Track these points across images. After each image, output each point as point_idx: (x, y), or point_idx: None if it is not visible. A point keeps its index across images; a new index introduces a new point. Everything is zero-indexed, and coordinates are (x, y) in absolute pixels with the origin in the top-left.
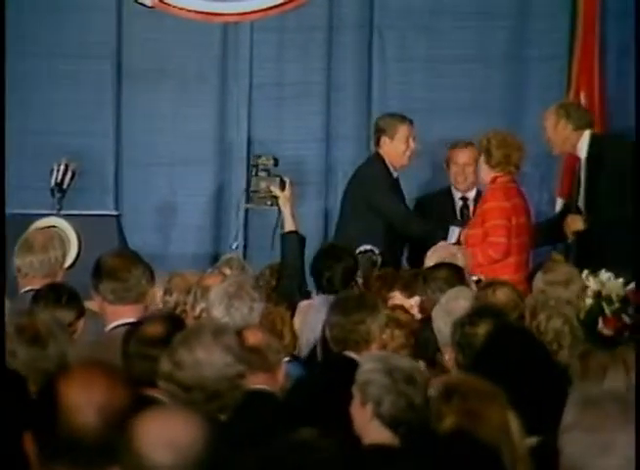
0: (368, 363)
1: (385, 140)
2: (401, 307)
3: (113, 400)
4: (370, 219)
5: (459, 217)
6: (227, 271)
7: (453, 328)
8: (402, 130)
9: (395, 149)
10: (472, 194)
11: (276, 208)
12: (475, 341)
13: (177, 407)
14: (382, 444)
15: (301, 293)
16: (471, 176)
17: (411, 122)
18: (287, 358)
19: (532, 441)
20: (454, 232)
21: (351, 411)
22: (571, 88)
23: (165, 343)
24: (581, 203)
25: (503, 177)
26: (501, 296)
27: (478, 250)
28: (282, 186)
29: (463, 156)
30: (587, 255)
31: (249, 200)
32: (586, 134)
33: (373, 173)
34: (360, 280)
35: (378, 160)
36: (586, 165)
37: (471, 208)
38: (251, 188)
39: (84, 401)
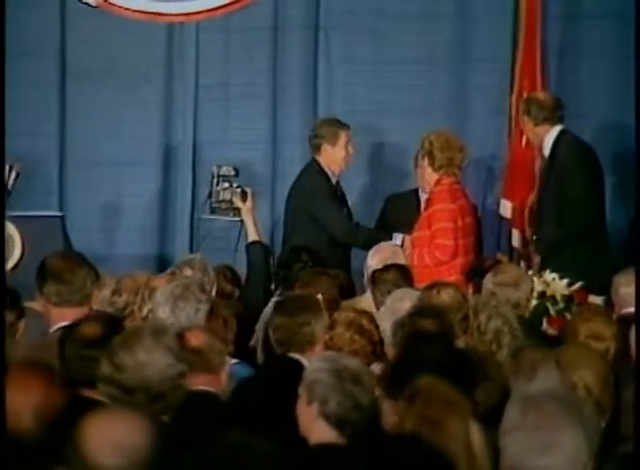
0: (316, 363)
1: (326, 147)
2: (369, 314)
3: (49, 402)
4: (312, 230)
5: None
6: (188, 272)
7: (394, 328)
8: (343, 137)
9: (336, 155)
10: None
11: (239, 219)
12: None
13: (122, 409)
14: (327, 443)
15: (267, 301)
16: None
17: (348, 127)
18: (235, 360)
19: None
20: (397, 238)
21: (297, 411)
22: (515, 90)
23: (102, 344)
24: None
25: (447, 179)
26: (445, 297)
27: (425, 251)
28: (243, 197)
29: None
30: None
31: (212, 211)
32: (553, 130)
33: (312, 184)
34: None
35: (316, 168)
36: (548, 163)
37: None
38: (214, 199)
39: (22, 405)
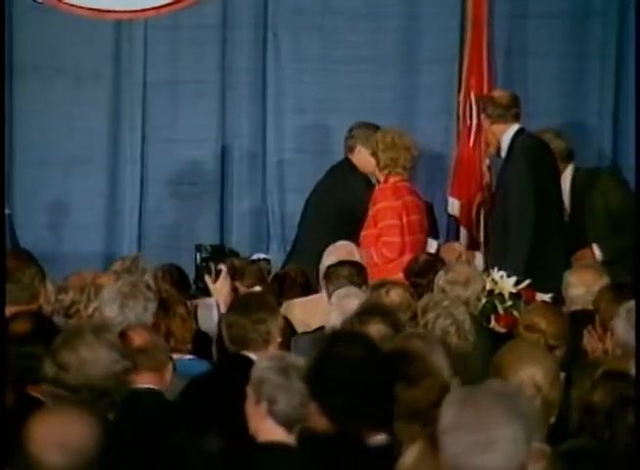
0: (263, 362)
1: (360, 149)
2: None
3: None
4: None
5: None
6: (118, 266)
7: (342, 327)
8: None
9: (369, 159)
10: None
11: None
12: None
13: (67, 408)
14: (275, 441)
15: None
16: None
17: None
18: (190, 356)
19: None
20: (432, 245)
21: (246, 410)
22: (462, 89)
23: (33, 339)
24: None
25: (392, 177)
26: (394, 296)
27: (372, 250)
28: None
29: None
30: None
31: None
32: (510, 130)
33: (359, 185)
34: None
35: (356, 169)
36: (503, 163)
37: None
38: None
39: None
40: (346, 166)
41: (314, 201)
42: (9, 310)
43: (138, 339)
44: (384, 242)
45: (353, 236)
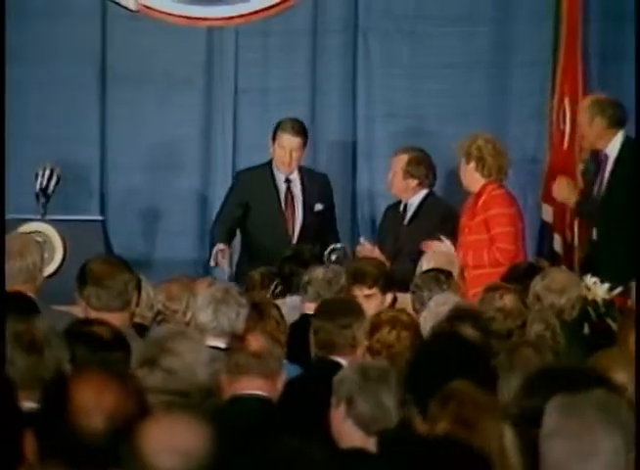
0: (346, 367)
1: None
2: (404, 310)
3: (122, 407)
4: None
5: (399, 224)
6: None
7: (432, 331)
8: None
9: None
10: (414, 203)
11: None
12: None
13: (179, 412)
14: (357, 448)
15: None
16: (398, 185)
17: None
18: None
19: None
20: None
21: (330, 415)
22: (556, 94)
23: (113, 346)
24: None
25: (495, 184)
26: (507, 301)
27: (484, 253)
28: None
29: (392, 162)
30: (588, 262)
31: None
32: (619, 134)
33: None
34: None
35: None
36: (613, 167)
37: (407, 216)
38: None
39: (94, 405)
40: None
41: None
42: (102, 316)
43: (255, 343)
44: (499, 248)
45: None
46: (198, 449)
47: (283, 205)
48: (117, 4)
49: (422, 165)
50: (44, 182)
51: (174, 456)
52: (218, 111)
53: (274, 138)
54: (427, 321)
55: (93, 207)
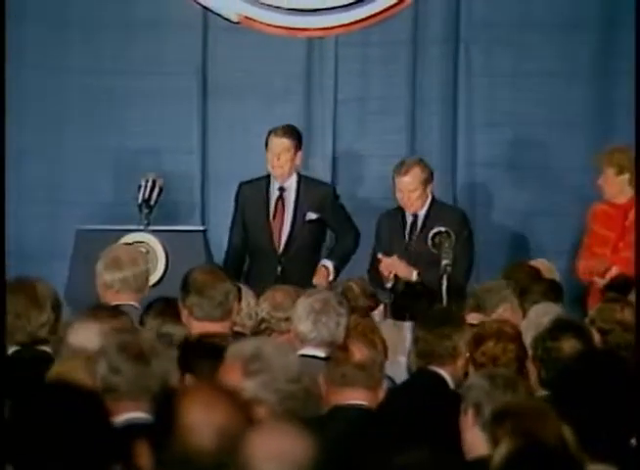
0: (473, 374)
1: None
2: (508, 321)
3: (232, 423)
4: None
5: (407, 234)
6: None
7: (534, 343)
8: None
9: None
10: (423, 212)
11: None
12: (557, 356)
13: (285, 421)
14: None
15: None
16: (417, 202)
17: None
18: None
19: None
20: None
21: (460, 423)
22: None
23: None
24: None
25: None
26: (628, 315)
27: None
28: None
29: (405, 183)
30: None
31: None
32: None
33: None
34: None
35: None
36: None
37: (419, 225)
38: None
39: (204, 422)
40: None
41: None
42: (204, 325)
43: (358, 353)
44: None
45: None
46: (304, 458)
47: (272, 214)
48: (219, 15)
49: (431, 173)
50: (147, 193)
51: (281, 464)
52: (318, 121)
53: (266, 145)
54: (527, 332)
55: (195, 217)
